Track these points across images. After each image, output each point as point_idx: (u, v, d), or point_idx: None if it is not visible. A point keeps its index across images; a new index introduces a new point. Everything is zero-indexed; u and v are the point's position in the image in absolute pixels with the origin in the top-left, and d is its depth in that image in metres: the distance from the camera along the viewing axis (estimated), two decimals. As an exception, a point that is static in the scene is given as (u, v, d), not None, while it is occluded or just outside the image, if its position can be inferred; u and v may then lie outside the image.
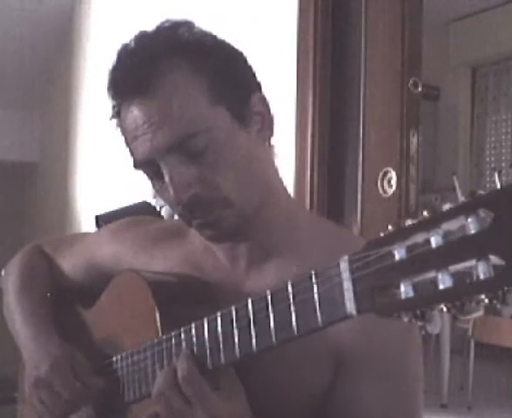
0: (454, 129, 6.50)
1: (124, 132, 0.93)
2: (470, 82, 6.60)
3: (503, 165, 6.28)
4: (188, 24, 0.92)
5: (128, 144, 0.93)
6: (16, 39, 3.84)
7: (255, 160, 0.92)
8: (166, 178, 0.88)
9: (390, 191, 1.96)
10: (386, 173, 1.97)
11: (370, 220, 2.00)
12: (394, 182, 1.95)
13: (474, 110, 6.57)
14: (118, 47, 0.92)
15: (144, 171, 0.92)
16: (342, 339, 0.90)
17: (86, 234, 1.27)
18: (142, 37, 0.91)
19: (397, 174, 1.94)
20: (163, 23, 0.92)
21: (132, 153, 0.92)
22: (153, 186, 0.94)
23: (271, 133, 0.96)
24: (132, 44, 0.91)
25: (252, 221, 0.93)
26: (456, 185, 4.08)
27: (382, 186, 1.97)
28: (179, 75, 0.87)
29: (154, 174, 0.91)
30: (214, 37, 0.92)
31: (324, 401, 0.92)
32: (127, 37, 0.93)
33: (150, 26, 0.94)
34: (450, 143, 6.48)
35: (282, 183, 1.00)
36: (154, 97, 0.86)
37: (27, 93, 4.22)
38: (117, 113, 0.94)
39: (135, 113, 0.88)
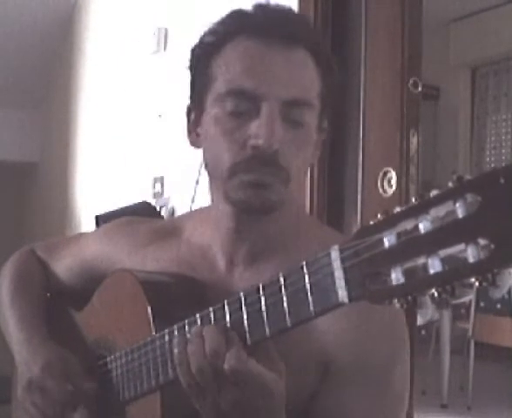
0: (454, 129, 6.50)
1: (231, 56, 0.91)
2: (470, 82, 6.60)
3: (503, 165, 6.26)
4: (307, 20, 0.97)
5: (229, 67, 0.91)
6: (17, 39, 3.84)
7: (309, 165, 0.99)
8: (266, 120, 0.87)
9: (390, 191, 1.96)
10: (386, 173, 1.97)
11: (370, 220, 2.00)
12: (394, 182, 1.95)
13: (474, 110, 6.57)
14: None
15: (233, 99, 0.90)
16: (331, 345, 0.90)
17: (79, 237, 1.27)
18: (280, 13, 0.94)
19: (397, 174, 1.94)
20: (298, 14, 0.96)
21: (231, 77, 0.90)
22: (225, 122, 0.91)
23: (319, 154, 1.01)
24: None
25: (270, 215, 0.93)
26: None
27: (382, 186, 1.97)
28: (309, 58, 0.93)
29: (238, 108, 0.89)
30: (331, 52, 0.98)
31: (307, 405, 0.92)
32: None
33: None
34: (450, 143, 6.48)
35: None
36: (293, 56, 0.90)
37: (27, 93, 4.23)
38: (221, 42, 0.93)
39: (268, 54, 0.89)
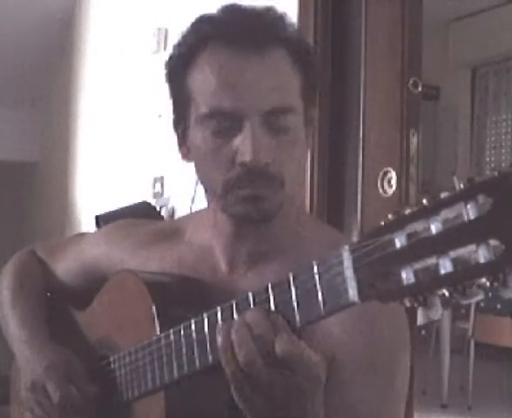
0: (454, 129, 6.50)
1: (204, 71, 0.90)
2: (470, 82, 6.60)
3: (503, 165, 6.28)
4: (289, 20, 0.94)
5: (204, 84, 0.90)
6: (17, 39, 3.84)
7: (304, 163, 0.98)
8: (249, 136, 0.87)
9: (390, 191, 1.96)
10: (386, 173, 1.97)
11: (370, 220, 2.00)
12: (394, 182, 1.95)
13: (474, 110, 6.56)
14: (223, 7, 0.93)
15: (213, 120, 0.89)
16: (334, 340, 0.90)
17: (80, 237, 1.26)
18: (249, 15, 0.92)
19: (397, 174, 1.94)
20: (268, 10, 0.93)
21: (207, 98, 0.89)
22: (210, 142, 0.90)
23: (308, 149, 1.01)
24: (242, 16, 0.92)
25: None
26: (456, 185, 4.09)
27: (382, 186, 1.97)
28: (285, 57, 0.91)
29: (223, 127, 0.89)
30: (309, 43, 0.97)
31: None
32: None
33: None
34: (450, 143, 6.48)
35: None
36: (268, 61, 0.89)
37: (27, 93, 4.22)
38: (192, 54, 0.92)
39: (242, 64, 0.88)
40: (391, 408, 0.93)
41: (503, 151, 6.35)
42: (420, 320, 3.72)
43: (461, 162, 6.45)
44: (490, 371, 4.86)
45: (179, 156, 1.02)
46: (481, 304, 4.22)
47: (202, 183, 0.98)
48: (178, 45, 0.94)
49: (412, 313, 1.96)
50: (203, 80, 0.90)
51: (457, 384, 4.36)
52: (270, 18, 0.92)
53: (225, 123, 0.88)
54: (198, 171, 0.97)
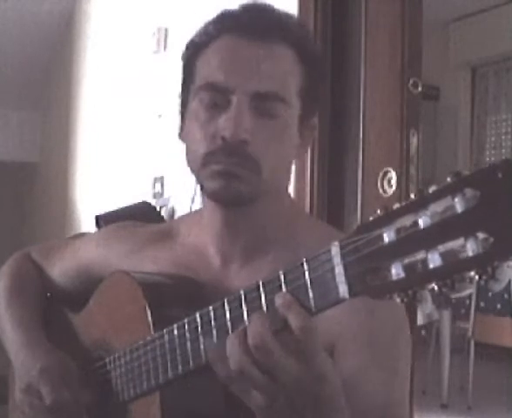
0: (454, 129, 6.50)
1: (211, 53, 0.95)
2: (470, 82, 6.60)
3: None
4: (298, 21, 0.99)
5: (207, 63, 0.95)
6: (17, 40, 3.84)
7: (289, 162, 1.00)
8: (233, 112, 0.90)
9: (390, 191, 1.96)
10: (386, 173, 1.97)
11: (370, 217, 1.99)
12: (394, 182, 1.95)
13: (475, 110, 6.57)
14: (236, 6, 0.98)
15: (207, 93, 0.93)
16: (333, 328, 0.89)
17: (75, 240, 1.26)
18: (266, 13, 0.97)
19: (397, 174, 1.94)
20: (287, 14, 0.98)
21: (206, 73, 0.94)
22: (200, 114, 0.94)
23: (304, 154, 1.04)
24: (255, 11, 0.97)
25: (256, 209, 0.95)
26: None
27: (382, 186, 1.97)
28: (290, 55, 0.95)
29: (213, 102, 0.93)
30: (316, 45, 1.03)
31: None
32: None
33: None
34: (450, 143, 6.48)
35: (287, 187, 1.04)
36: (270, 52, 0.93)
37: (27, 93, 4.23)
38: (207, 41, 0.96)
39: (245, 48, 0.93)
40: (397, 393, 0.92)
41: (503, 151, 6.35)
42: (420, 320, 3.72)
43: (461, 162, 6.45)
44: (490, 371, 4.86)
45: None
46: (481, 304, 4.22)
47: (188, 162, 0.99)
48: (195, 36, 0.99)
49: (412, 313, 1.96)
50: (207, 61, 0.95)
51: (457, 384, 4.36)
52: (285, 20, 0.97)
53: (217, 97, 0.92)
54: (186, 147, 0.99)
